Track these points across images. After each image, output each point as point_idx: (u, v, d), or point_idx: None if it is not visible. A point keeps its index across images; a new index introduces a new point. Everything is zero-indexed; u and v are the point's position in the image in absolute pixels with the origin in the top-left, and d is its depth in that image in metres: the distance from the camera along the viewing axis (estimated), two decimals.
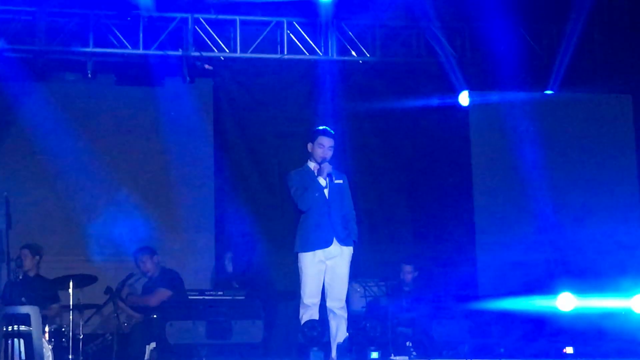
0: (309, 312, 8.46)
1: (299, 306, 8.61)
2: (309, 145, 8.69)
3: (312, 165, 8.69)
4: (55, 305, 10.47)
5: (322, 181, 8.56)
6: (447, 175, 12.62)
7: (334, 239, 8.52)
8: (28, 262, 10.54)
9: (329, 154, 8.63)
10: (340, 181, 8.68)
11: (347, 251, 8.61)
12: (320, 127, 8.81)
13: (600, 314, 10.68)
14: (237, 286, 10.82)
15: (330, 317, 8.55)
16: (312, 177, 8.60)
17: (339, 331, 8.53)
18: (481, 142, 12.45)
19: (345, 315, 8.60)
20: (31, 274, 10.59)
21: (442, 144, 12.69)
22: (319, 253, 8.50)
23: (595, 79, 12.47)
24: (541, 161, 12.09)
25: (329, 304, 8.56)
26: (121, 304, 10.50)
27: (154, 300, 10.40)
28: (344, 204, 8.69)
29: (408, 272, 11.30)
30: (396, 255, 12.11)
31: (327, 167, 8.55)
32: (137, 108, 12.32)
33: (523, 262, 11.66)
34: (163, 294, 10.41)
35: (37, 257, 10.67)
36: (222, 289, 10.18)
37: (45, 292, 10.37)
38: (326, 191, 8.58)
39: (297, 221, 8.69)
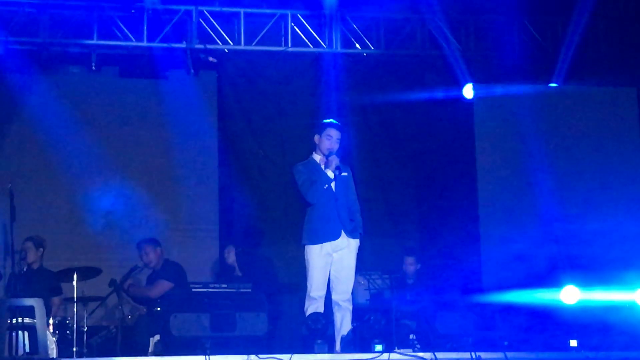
0: (314, 305, 8.47)
1: (303, 299, 8.63)
2: (316, 137, 8.69)
3: (317, 157, 8.68)
4: (56, 298, 10.46)
5: (330, 174, 8.56)
6: (451, 168, 12.61)
7: (342, 232, 8.52)
8: (32, 255, 10.53)
9: (336, 146, 8.63)
10: (346, 174, 8.69)
11: (354, 243, 8.61)
12: (328, 120, 8.80)
13: (604, 307, 10.66)
14: (240, 274, 10.82)
15: (335, 309, 8.56)
16: (319, 169, 8.60)
17: (343, 324, 8.54)
18: (485, 135, 12.43)
19: (351, 307, 8.61)
20: (35, 266, 10.58)
21: (446, 137, 12.68)
22: (327, 245, 8.50)
23: (600, 72, 12.44)
24: (545, 154, 12.07)
25: (334, 296, 8.57)
26: (124, 296, 10.49)
27: (155, 292, 10.41)
28: (350, 197, 8.69)
29: (410, 264, 11.28)
30: (400, 248, 12.11)
31: (334, 160, 8.55)
32: (141, 100, 12.33)
33: (527, 255, 11.65)
34: (164, 285, 10.41)
35: (41, 250, 10.65)
36: (225, 281, 10.18)
37: (48, 285, 10.37)
38: (333, 184, 8.59)
39: (301, 213, 8.69)
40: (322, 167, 8.62)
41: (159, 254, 10.74)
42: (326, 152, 8.61)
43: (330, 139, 8.64)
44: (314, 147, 8.74)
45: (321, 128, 8.70)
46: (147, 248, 10.72)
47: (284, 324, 11.36)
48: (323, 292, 8.53)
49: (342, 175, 8.61)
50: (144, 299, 10.51)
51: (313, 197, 8.54)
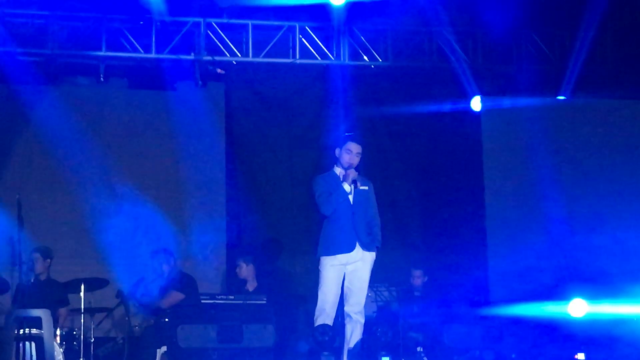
0: (323, 316, 8.43)
1: (311, 311, 8.59)
2: (337, 151, 8.65)
3: (338, 170, 8.65)
4: (63, 309, 10.46)
5: (347, 187, 8.54)
6: (458, 180, 12.61)
7: (357, 244, 8.50)
8: (39, 266, 10.53)
9: (356, 160, 8.59)
10: (366, 187, 8.65)
11: (369, 257, 8.57)
12: (349, 133, 8.78)
13: (612, 320, 10.65)
14: (250, 289, 10.82)
15: (347, 321, 8.52)
16: (337, 182, 8.58)
17: (353, 335, 8.50)
18: (493, 147, 12.44)
19: (362, 320, 8.55)
20: (42, 277, 10.57)
21: (454, 149, 12.68)
22: (340, 257, 8.46)
23: (607, 85, 12.44)
24: (553, 167, 12.06)
25: (346, 308, 8.53)
26: (131, 307, 10.47)
27: (166, 302, 10.40)
28: (369, 210, 8.66)
29: (417, 277, 11.28)
30: (407, 260, 12.11)
31: (352, 173, 8.53)
32: (149, 112, 12.34)
33: (535, 267, 11.64)
34: (176, 296, 10.41)
35: (48, 261, 10.65)
36: (234, 294, 10.18)
37: (55, 296, 10.38)
38: (350, 197, 8.55)
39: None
40: (341, 180, 8.61)
41: (172, 265, 10.74)
42: (345, 166, 8.59)
43: (349, 153, 8.60)
44: (335, 160, 8.71)
45: (341, 141, 8.67)
46: (161, 258, 10.72)
47: (291, 335, 11.34)
48: (334, 304, 8.50)
49: (361, 189, 8.58)
50: (155, 310, 10.50)
51: (327, 209, 8.51)
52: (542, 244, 11.84)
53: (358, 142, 8.64)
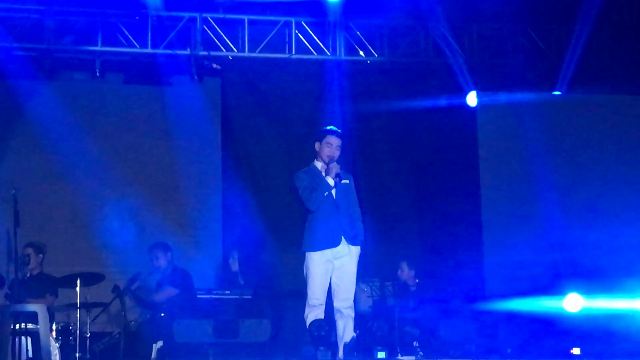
0: (314, 312, 8.43)
1: (304, 306, 8.59)
2: (317, 145, 8.67)
3: (319, 164, 8.67)
4: (50, 297, 10.44)
5: (331, 181, 8.54)
6: (454, 175, 12.62)
7: (343, 238, 8.50)
8: (32, 261, 10.51)
9: (336, 153, 8.61)
10: (347, 181, 8.66)
11: (355, 250, 8.58)
12: (328, 127, 8.79)
13: (607, 315, 10.67)
14: (242, 282, 10.82)
15: (337, 317, 8.52)
16: (320, 176, 8.58)
17: (346, 331, 8.50)
18: (489, 142, 12.45)
19: (353, 314, 8.56)
20: (35, 272, 10.56)
21: (449, 144, 12.69)
22: (327, 252, 8.47)
23: (604, 80, 12.45)
24: (549, 162, 12.07)
25: (336, 304, 8.53)
26: (127, 302, 10.48)
27: (160, 297, 10.42)
28: (351, 204, 8.67)
29: (404, 270, 11.24)
30: (403, 255, 12.11)
31: (335, 167, 8.53)
32: (145, 107, 12.35)
33: (530, 262, 11.66)
34: (169, 291, 10.42)
35: (41, 256, 10.62)
36: (229, 288, 10.19)
37: (46, 288, 10.37)
38: (334, 191, 8.56)
39: (303, 220, 8.67)
40: (323, 174, 8.60)
41: (168, 259, 10.75)
42: (326, 160, 8.59)
43: (330, 147, 8.61)
44: (315, 155, 8.73)
45: (321, 135, 8.68)
46: (158, 252, 10.73)
47: (286, 330, 11.36)
48: (323, 300, 8.49)
49: (343, 183, 8.58)
50: (149, 304, 10.52)
51: (313, 204, 8.51)
52: (538, 239, 11.86)
53: (338, 136, 8.65)
